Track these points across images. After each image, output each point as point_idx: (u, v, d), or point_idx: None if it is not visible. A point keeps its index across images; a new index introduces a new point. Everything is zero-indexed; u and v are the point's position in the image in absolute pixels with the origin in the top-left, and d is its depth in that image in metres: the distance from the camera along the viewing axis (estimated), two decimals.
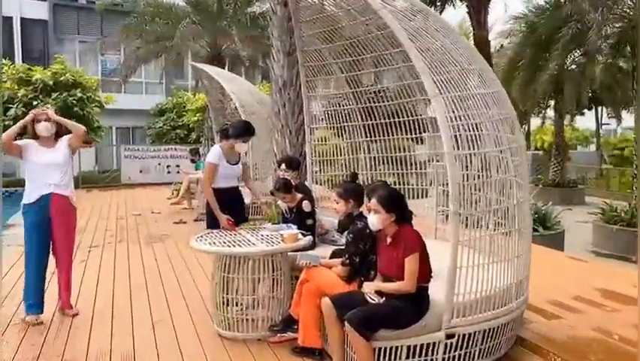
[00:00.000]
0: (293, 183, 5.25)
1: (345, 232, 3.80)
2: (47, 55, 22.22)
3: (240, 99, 9.61)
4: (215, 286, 4.22)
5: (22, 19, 22.38)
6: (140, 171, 16.13)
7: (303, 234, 4.31)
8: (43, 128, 4.50)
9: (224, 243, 4.18)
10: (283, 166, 5.72)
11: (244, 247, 4.02)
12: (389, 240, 3.38)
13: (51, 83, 14.62)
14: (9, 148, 4.41)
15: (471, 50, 3.86)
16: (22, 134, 4.57)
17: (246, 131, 5.15)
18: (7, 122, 13.94)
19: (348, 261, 3.62)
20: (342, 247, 4.27)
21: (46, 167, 4.48)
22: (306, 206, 5.07)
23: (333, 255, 4.15)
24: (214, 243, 4.20)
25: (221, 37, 13.08)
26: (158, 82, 24.56)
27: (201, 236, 4.45)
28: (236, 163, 5.19)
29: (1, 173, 4.49)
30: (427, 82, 3.26)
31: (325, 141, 6.03)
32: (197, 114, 19.56)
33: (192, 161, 11.65)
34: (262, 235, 4.39)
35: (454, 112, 3.33)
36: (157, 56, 14.97)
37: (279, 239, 4.20)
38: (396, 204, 3.35)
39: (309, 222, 5.05)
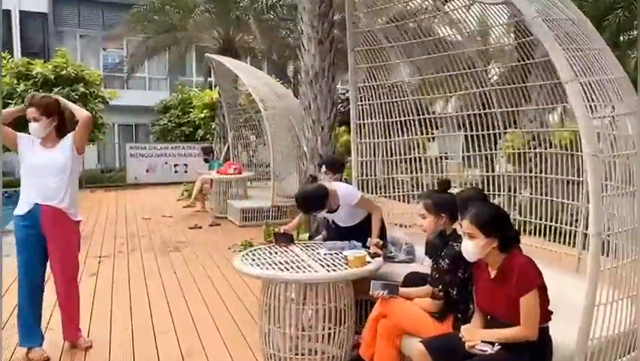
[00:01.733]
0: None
1: (433, 256, 3.02)
2: (47, 49, 21.37)
3: (259, 93, 8.82)
4: (262, 314, 3.45)
5: (21, 12, 21.51)
6: (147, 171, 15.32)
7: (369, 254, 3.54)
8: (33, 130, 3.64)
9: (275, 265, 3.41)
10: (324, 168, 4.97)
11: (301, 272, 3.25)
12: (493, 272, 2.61)
13: (52, 77, 13.78)
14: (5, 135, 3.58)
15: (585, 24, 3.06)
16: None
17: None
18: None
19: (442, 294, 2.85)
20: (417, 271, 3.52)
21: (41, 170, 3.62)
22: None
23: (407, 281, 3.38)
24: (262, 264, 3.42)
25: (235, 28, 12.27)
26: (162, 78, 23.82)
27: (247, 255, 3.67)
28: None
29: (0, 172, 3.65)
30: (560, 62, 2.48)
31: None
32: (205, 111, 18.72)
33: (205, 160, 10.86)
34: (320, 255, 3.61)
35: (592, 101, 2.55)
36: (166, 49, 14.09)
37: (342, 261, 3.44)
38: (498, 225, 2.56)
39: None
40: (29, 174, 3.64)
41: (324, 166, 5.00)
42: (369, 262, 3.37)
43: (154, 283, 5.57)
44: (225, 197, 9.65)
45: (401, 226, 4.89)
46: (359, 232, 4.09)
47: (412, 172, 5.22)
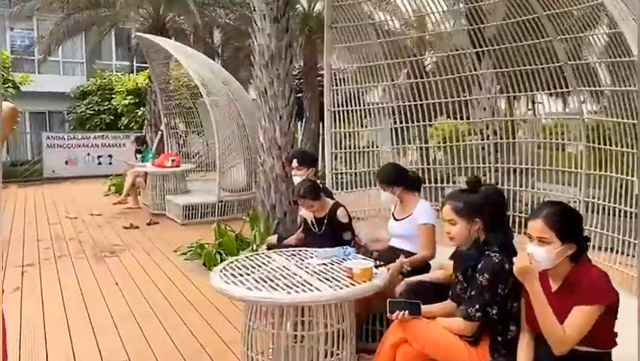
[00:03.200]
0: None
1: (465, 269, 2.54)
2: None
3: (201, 77, 8.03)
4: (246, 339, 2.86)
5: None
6: (67, 163, 13.92)
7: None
8: None
9: (264, 281, 2.80)
10: (295, 163, 4.40)
11: (301, 291, 2.66)
12: (555, 285, 2.18)
13: None
14: None
15: None
16: None
17: None
18: None
19: (480, 314, 2.38)
20: (422, 281, 3.06)
21: None
22: (342, 215, 3.81)
23: (411, 293, 2.90)
24: (247, 281, 2.81)
25: (166, 6, 11.22)
26: (78, 61, 21.99)
27: (225, 269, 3.03)
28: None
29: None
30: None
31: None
32: (129, 97, 17.41)
33: (138, 151, 9.87)
34: (313, 267, 3.05)
35: None
36: (87, 29, 12.71)
37: (341, 273, 2.90)
38: (577, 228, 2.16)
39: (347, 237, 3.81)
40: None
41: (294, 161, 4.42)
42: (375, 275, 2.85)
43: (94, 299, 4.74)
44: (162, 192, 8.78)
45: None
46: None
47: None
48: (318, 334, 2.71)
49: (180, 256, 6.14)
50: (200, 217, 8.08)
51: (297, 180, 4.42)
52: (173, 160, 8.81)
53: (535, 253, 2.12)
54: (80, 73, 21.72)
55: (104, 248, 6.53)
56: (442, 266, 3.08)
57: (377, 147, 5.21)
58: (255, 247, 5.64)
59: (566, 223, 2.13)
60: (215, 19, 11.95)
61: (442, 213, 2.55)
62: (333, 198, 4.00)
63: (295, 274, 2.90)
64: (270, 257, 3.33)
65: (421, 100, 4.77)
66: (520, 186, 4.77)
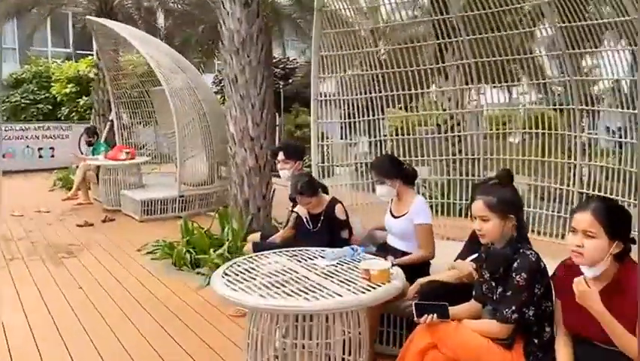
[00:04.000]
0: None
1: (497, 269, 2.39)
2: None
3: (159, 64, 7.57)
4: (251, 347, 2.61)
5: None
6: (3, 156, 12.93)
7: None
8: None
9: (274, 286, 2.56)
10: (281, 156, 4.16)
11: (319, 297, 2.43)
12: (599, 285, 2.07)
13: None
14: None
15: None
16: None
17: None
18: None
19: (516, 316, 2.24)
20: (435, 280, 2.92)
21: None
22: (339, 212, 3.62)
23: (424, 294, 2.75)
24: (255, 286, 2.56)
25: None
26: (8, 47, 20.59)
27: (226, 273, 2.76)
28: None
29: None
30: None
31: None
32: (69, 85, 16.41)
33: (89, 143, 9.23)
34: (321, 268, 2.83)
35: None
36: (22, 13, 11.74)
37: (353, 274, 2.70)
38: (627, 225, 2.06)
39: (344, 235, 3.62)
40: None
41: (281, 154, 4.17)
42: (393, 278, 2.66)
43: (58, 306, 4.33)
44: (116, 186, 8.25)
45: None
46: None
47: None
48: (335, 341, 2.51)
49: (146, 255, 5.76)
50: (160, 213, 7.65)
51: (283, 174, 4.18)
52: (127, 152, 8.29)
53: (589, 247, 2.00)
54: (12, 60, 20.35)
55: (59, 249, 6.02)
56: (453, 266, 2.94)
57: (328, 138, 5.05)
58: (229, 245, 5.35)
59: (616, 220, 2.02)
60: (166, 2, 11.36)
61: (473, 209, 2.39)
62: (327, 193, 3.78)
63: (306, 278, 2.68)
64: (267, 258, 3.09)
65: (378, 92, 4.71)
66: (473, 175, 4.94)
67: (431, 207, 4.09)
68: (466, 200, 4.95)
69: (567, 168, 4.40)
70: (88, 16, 8.78)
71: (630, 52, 4.07)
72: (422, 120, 5.50)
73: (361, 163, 5.01)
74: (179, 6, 11.41)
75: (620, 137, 4.03)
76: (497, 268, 2.35)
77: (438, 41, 5.04)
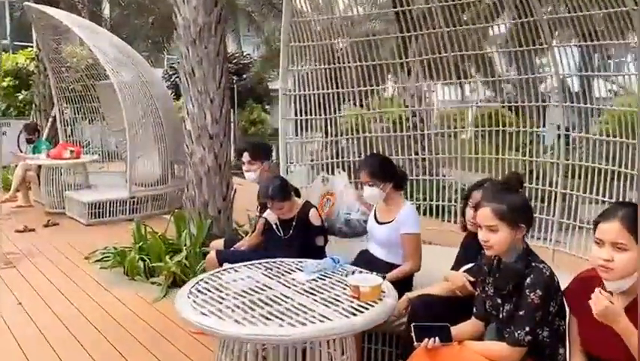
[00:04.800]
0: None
1: (506, 285, 2.13)
2: None
3: (107, 56, 7.01)
4: None
5: None
6: None
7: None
8: None
9: (249, 308, 2.22)
10: (247, 157, 3.81)
11: (302, 321, 2.11)
12: (624, 301, 1.85)
13: None
14: None
15: None
16: None
17: None
18: None
19: (530, 338, 1.99)
20: (426, 294, 2.65)
21: None
22: (314, 217, 3.30)
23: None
24: (227, 309, 2.20)
25: None
26: None
27: (191, 293, 2.38)
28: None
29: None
30: None
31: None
32: (7, 79, 15.36)
33: (29, 141, 8.52)
34: (300, 283, 2.51)
35: None
36: None
37: (336, 290, 2.39)
38: None
39: (320, 242, 3.32)
40: None
41: (246, 154, 3.82)
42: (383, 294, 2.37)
43: None
44: (60, 187, 7.63)
45: None
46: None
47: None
48: None
49: (94, 263, 5.27)
50: (109, 216, 7.10)
51: (249, 176, 3.83)
52: (72, 151, 7.66)
53: (619, 261, 1.76)
54: None
55: None
56: (446, 278, 2.68)
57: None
58: (187, 251, 4.94)
59: None
60: None
61: (479, 217, 2.12)
62: (299, 196, 3.46)
63: (286, 297, 2.34)
64: (238, 272, 2.74)
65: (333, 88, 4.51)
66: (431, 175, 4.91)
67: None
68: (437, 201, 4.83)
69: (522, 164, 4.44)
70: (27, 3, 8.05)
71: (578, 49, 4.14)
72: (377, 118, 5.33)
73: (319, 162, 4.76)
74: None
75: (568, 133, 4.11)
76: (507, 284, 2.10)
77: (398, 35, 4.89)
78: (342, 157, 4.75)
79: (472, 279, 2.48)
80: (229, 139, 5.66)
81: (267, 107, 21.29)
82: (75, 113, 9.42)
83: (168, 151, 7.77)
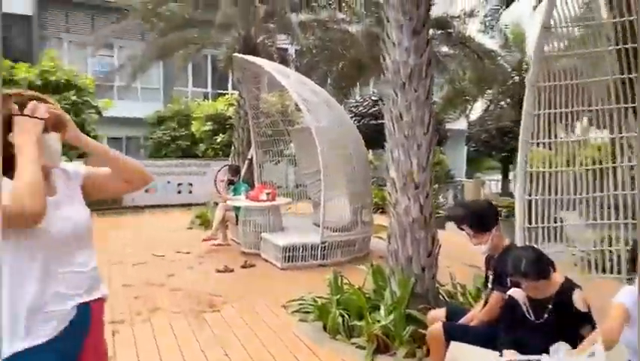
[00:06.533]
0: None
1: None
2: (32, 55, 19.37)
3: (306, 101, 7.09)
4: None
5: (4, 15, 19.54)
6: (146, 191, 13.37)
7: None
8: (54, 142, 1.74)
9: None
10: (467, 228, 3.26)
11: None
12: None
13: (39, 83, 11.90)
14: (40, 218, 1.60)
15: None
16: None
17: None
18: None
19: None
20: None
21: (61, 245, 1.74)
22: (580, 301, 2.61)
23: None
24: None
25: (258, 27, 10.47)
26: (154, 87, 21.99)
27: None
28: None
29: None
30: None
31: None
32: (208, 123, 16.94)
33: (230, 182, 9.02)
34: None
35: None
36: (169, 54, 12.16)
37: None
38: None
39: (586, 332, 2.60)
40: (43, 253, 1.69)
41: (465, 226, 3.26)
42: None
43: None
44: (256, 229, 7.83)
45: None
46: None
47: None
48: None
49: (292, 314, 5.10)
50: (302, 260, 7.04)
51: (480, 249, 3.27)
52: (268, 193, 7.87)
53: None
54: (158, 99, 21.68)
55: (200, 299, 5.57)
56: None
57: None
58: (387, 310, 4.51)
59: None
60: (306, 38, 11.12)
61: None
62: (555, 269, 2.81)
63: None
64: None
65: None
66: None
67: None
68: None
69: None
70: (235, 54, 8.62)
71: None
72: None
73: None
74: (319, 42, 11.10)
75: None
76: None
77: None
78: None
79: None
80: (432, 188, 5.19)
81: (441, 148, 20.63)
82: (264, 156, 9.83)
83: (358, 196, 7.58)
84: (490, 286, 3.24)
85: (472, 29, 11.77)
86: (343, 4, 10.10)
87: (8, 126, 1.62)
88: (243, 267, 7.03)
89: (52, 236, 1.70)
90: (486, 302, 3.21)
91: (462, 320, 3.23)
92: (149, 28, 11.81)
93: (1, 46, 14.95)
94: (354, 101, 18.41)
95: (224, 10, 9.51)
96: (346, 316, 4.66)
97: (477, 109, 20.69)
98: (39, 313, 1.67)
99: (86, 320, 1.81)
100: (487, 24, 11.70)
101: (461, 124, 22.15)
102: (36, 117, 1.64)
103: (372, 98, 18.52)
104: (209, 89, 22.84)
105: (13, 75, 11.96)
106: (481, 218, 3.24)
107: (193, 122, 17.78)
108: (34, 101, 1.67)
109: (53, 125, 1.73)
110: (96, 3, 20.55)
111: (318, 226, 7.50)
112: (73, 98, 12.25)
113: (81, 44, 20.77)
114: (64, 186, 1.86)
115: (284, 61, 12.76)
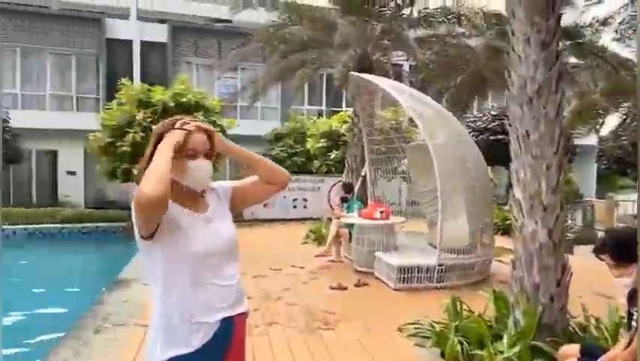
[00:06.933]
0: None
1: None
2: (166, 79, 21.15)
3: (422, 117, 6.95)
4: None
5: (142, 43, 21.60)
6: (265, 205, 13.92)
7: None
8: (203, 172, 1.93)
9: None
10: (607, 259, 2.92)
11: None
12: None
13: (172, 104, 12.92)
14: (160, 204, 1.72)
15: None
16: None
17: None
18: (124, 148, 12.39)
19: None
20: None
21: (210, 258, 1.86)
22: None
23: None
24: None
25: (374, 44, 10.56)
26: (272, 106, 22.94)
27: None
28: None
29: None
30: None
31: None
32: (322, 140, 17.31)
33: (344, 200, 9.09)
34: None
35: None
36: (289, 75, 12.62)
37: None
38: None
39: None
40: (189, 268, 1.83)
41: (606, 256, 2.93)
42: None
43: None
44: (369, 247, 7.78)
45: None
46: None
47: None
48: None
49: (409, 338, 4.96)
50: (417, 282, 6.85)
51: (621, 282, 2.93)
52: (382, 211, 7.79)
53: None
54: (275, 118, 22.61)
55: (316, 316, 5.62)
56: None
57: None
58: (511, 342, 4.22)
59: None
60: (423, 54, 10.96)
61: None
62: None
63: None
64: None
65: None
66: None
67: None
68: None
69: None
70: (351, 72, 8.72)
71: None
72: None
73: None
74: (436, 57, 10.89)
75: None
76: None
77: None
78: None
79: None
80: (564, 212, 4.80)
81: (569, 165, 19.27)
82: (376, 172, 9.77)
83: (478, 217, 7.25)
84: (634, 324, 2.89)
85: (606, 38, 10.86)
86: (463, 18, 9.80)
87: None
88: (357, 285, 7.00)
89: (203, 249, 1.85)
90: (630, 342, 2.87)
91: (601, 359, 2.91)
92: (271, 51, 12.32)
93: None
94: (472, 115, 17.84)
95: (341, 30, 9.67)
96: (465, 344, 4.44)
97: (609, 123, 19.07)
98: (187, 323, 1.80)
99: (229, 334, 1.90)
100: (624, 32, 10.74)
101: (591, 139, 20.49)
102: (184, 129, 1.86)
103: (492, 112, 17.81)
104: (324, 107, 23.36)
105: (150, 98, 13.10)
106: (625, 247, 2.91)
107: (308, 139, 18.26)
108: (186, 119, 1.92)
109: (205, 153, 1.93)
110: (222, 29, 21.98)
111: (434, 246, 7.30)
112: (202, 118, 13.11)
113: (209, 68, 22.37)
114: (216, 204, 2.02)
115: (398, 77, 12.70)
